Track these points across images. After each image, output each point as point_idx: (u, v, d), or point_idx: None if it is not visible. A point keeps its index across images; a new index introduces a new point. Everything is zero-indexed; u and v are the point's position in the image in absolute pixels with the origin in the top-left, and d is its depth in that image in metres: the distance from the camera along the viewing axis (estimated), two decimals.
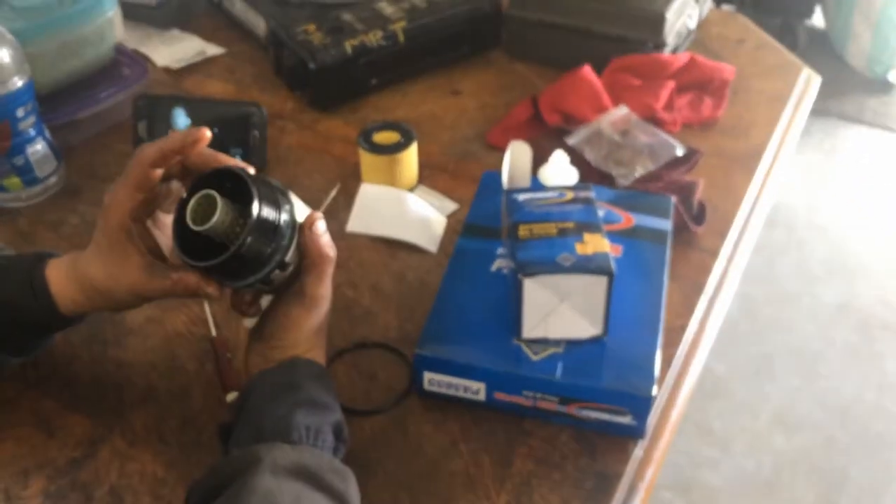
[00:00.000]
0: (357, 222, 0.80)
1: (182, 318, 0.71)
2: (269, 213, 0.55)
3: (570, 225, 0.61)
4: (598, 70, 0.96)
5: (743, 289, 1.95)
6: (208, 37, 1.12)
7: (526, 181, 0.71)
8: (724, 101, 0.96)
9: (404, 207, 0.80)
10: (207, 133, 0.57)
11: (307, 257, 0.56)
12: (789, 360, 1.76)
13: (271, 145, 0.91)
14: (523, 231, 0.60)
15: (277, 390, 0.53)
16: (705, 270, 0.75)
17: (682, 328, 0.70)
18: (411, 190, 0.84)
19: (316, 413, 0.52)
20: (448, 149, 0.91)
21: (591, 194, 0.64)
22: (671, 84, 0.94)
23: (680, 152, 0.84)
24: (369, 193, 0.81)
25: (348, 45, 0.93)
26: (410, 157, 0.83)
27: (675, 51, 1.01)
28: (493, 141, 0.91)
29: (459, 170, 0.88)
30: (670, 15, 0.95)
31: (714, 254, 0.77)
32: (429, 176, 0.87)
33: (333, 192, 0.83)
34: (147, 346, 0.69)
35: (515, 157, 0.71)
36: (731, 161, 0.88)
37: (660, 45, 0.96)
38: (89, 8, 0.90)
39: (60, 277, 0.58)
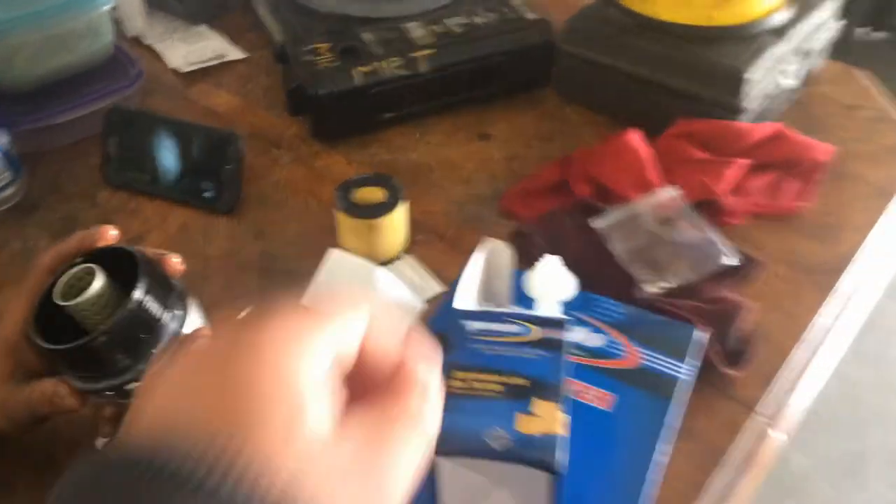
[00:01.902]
0: (315, 297, 0.67)
1: None
2: (151, 309, 0.46)
3: (520, 381, 0.45)
4: (660, 131, 0.78)
5: (847, 370, 1.70)
6: (235, 37, 1.01)
7: (503, 296, 0.56)
8: (814, 190, 0.76)
9: (371, 286, 0.66)
10: (112, 232, 0.51)
11: None
12: (889, 466, 1.50)
13: (257, 178, 0.79)
14: (458, 381, 0.45)
15: None
16: (732, 430, 0.57)
17: None
18: (395, 259, 0.70)
19: None
20: (454, 208, 0.76)
21: (564, 337, 0.48)
22: (744, 162, 0.74)
23: (730, 261, 0.66)
24: (336, 263, 0.68)
25: (357, 73, 0.79)
26: (394, 224, 0.69)
27: (759, 117, 0.82)
28: (508, 207, 0.75)
29: (460, 239, 0.73)
30: (754, 74, 0.76)
31: (749, 407, 0.59)
32: (423, 242, 0.72)
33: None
34: None
35: (490, 263, 0.56)
36: (806, 274, 0.69)
37: (736, 110, 0.77)
38: None
39: None
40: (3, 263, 0.71)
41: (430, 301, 0.67)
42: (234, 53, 0.97)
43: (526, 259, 0.69)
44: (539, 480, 0.42)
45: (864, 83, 0.94)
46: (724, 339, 0.60)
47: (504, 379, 0.45)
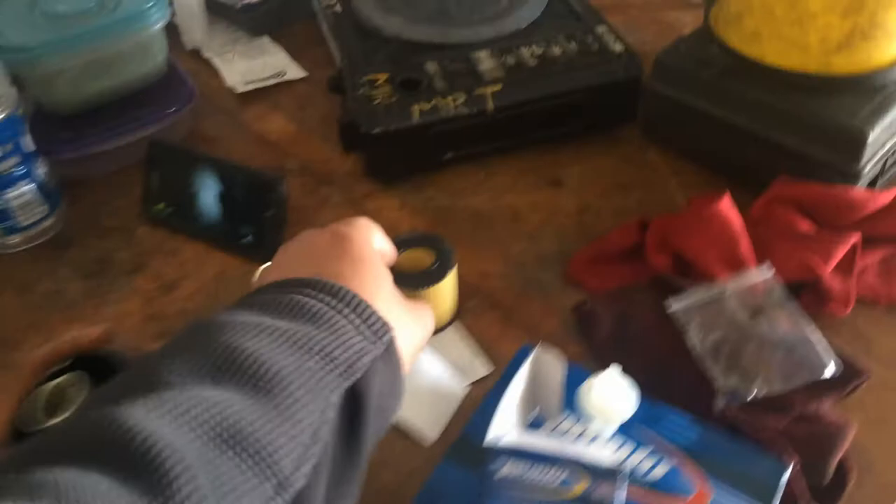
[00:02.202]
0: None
1: None
2: None
3: None
4: (758, 192, 0.68)
5: None
6: (299, 51, 0.95)
7: (553, 408, 0.48)
8: None
9: (415, 373, 0.59)
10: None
11: None
12: None
13: (303, 220, 0.73)
14: None
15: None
16: None
17: None
18: (442, 329, 0.63)
19: None
20: (513, 270, 0.68)
21: (618, 492, 0.40)
22: (854, 236, 0.63)
23: (829, 373, 0.55)
24: None
25: (417, 110, 0.72)
26: (441, 294, 0.61)
27: (874, 183, 0.70)
28: (575, 275, 0.67)
29: (517, 309, 0.65)
30: (876, 134, 0.64)
31: None
32: (473, 309, 0.65)
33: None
34: None
35: (537, 375, 0.48)
36: None
37: (853, 175, 0.66)
38: (130, 19, 0.75)
39: None
40: (34, 305, 0.68)
41: (474, 384, 0.59)
42: (295, 71, 0.91)
43: (586, 338, 0.61)
44: None
45: None
46: (816, 471, 0.51)
47: None
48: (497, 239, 0.72)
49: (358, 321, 0.35)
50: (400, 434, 0.56)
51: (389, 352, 0.37)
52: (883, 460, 0.53)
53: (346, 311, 0.35)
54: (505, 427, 0.46)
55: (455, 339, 0.63)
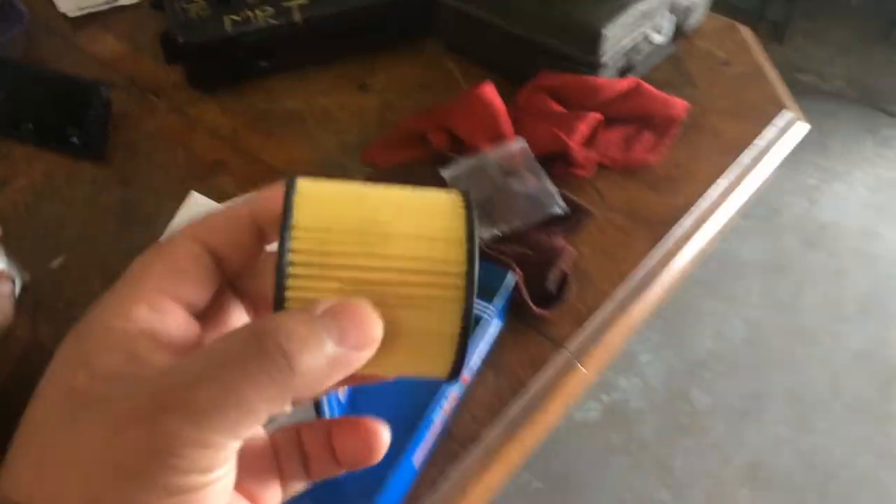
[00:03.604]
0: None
1: None
2: None
3: None
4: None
5: (756, 314, 1.76)
6: None
7: None
8: (666, 143, 0.80)
9: None
10: None
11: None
12: (784, 405, 1.58)
13: (131, 126, 0.81)
14: None
15: None
16: (537, 364, 0.62)
17: (473, 441, 0.57)
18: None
19: None
20: (319, 157, 0.79)
21: None
22: (597, 115, 0.77)
23: (559, 210, 0.69)
24: (195, 204, 0.71)
25: (229, 22, 0.81)
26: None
27: (625, 72, 0.84)
28: (370, 158, 0.78)
29: None
30: (611, 31, 0.78)
31: (558, 344, 0.63)
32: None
33: (58, 261, 0.71)
34: None
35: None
36: (641, 224, 0.73)
37: (594, 66, 0.80)
38: None
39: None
40: None
41: None
42: None
43: None
44: None
45: (744, 39, 0.97)
46: (542, 282, 0.64)
47: None
48: (308, 134, 0.82)
49: None
50: None
51: None
52: (600, 277, 0.68)
53: None
54: None
55: None
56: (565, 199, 0.71)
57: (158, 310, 0.25)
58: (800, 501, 1.43)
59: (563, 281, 0.65)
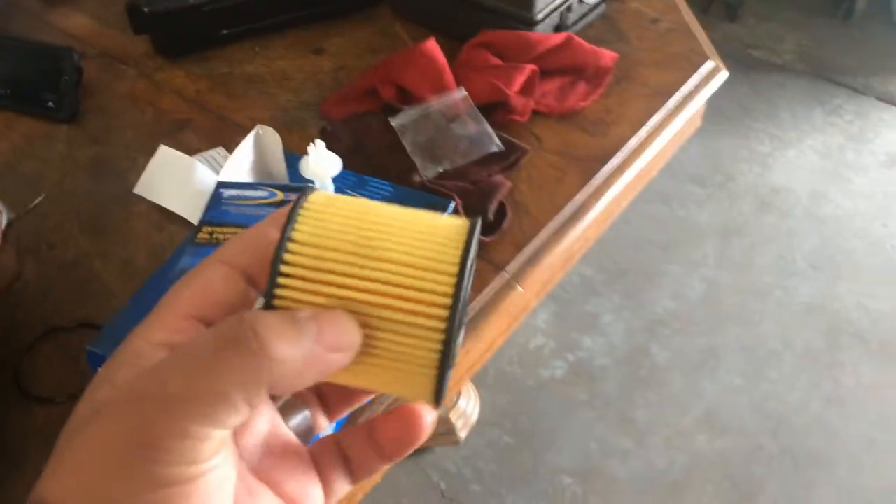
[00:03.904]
0: (144, 186, 0.76)
1: None
2: None
3: None
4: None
5: (712, 273, 1.84)
6: None
7: (280, 175, 0.66)
8: (598, 92, 0.87)
9: (191, 177, 0.75)
10: None
11: None
12: (738, 357, 1.66)
13: (101, 91, 0.87)
14: (203, 234, 0.55)
15: None
16: (477, 287, 0.69)
17: None
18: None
19: None
20: (280, 114, 0.86)
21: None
22: (532, 67, 0.84)
23: (496, 148, 0.76)
24: (163, 158, 0.77)
25: None
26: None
27: (558, 29, 0.91)
28: (326, 112, 0.85)
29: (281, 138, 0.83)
30: None
31: (499, 267, 0.70)
32: None
33: (38, 199, 0.76)
34: None
35: (264, 145, 0.65)
36: (574, 162, 0.80)
37: (529, 22, 0.87)
38: None
39: None
40: None
41: None
42: None
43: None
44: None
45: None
46: (483, 212, 0.71)
47: (241, 229, 0.55)
48: (268, 93, 0.88)
49: None
50: (186, 222, 0.73)
51: None
52: (536, 208, 0.75)
53: None
54: (232, 178, 0.64)
55: (223, 157, 0.79)
56: (503, 140, 0.78)
57: (181, 330, 0.27)
58: (753, 446, 1.52)
59: (502, 211, 0.72)
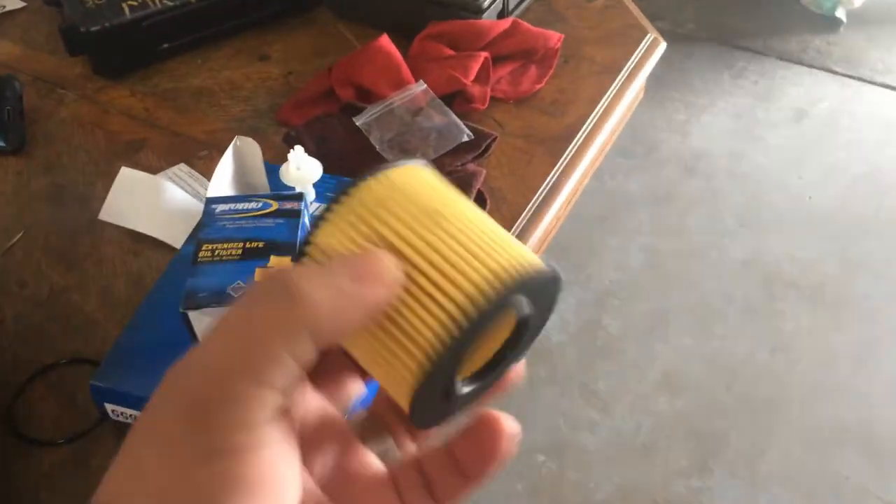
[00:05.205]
0: (109, 211, 0.73)
1: None
2: None
3: (259, 245, 0.54)
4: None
5: (650, 241, 1.91)
6: None
7: (261, 184, 0.64)
8: (549, 73, 0.89)
9: (159, 197, 0.73)
10: None
11: None
12: (685, 318, 1.72)
13: (43, 118, 0.83)
14: (204, 252, 0.54)
15: None
16: None
17: None
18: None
19: None
20: (236, 125, 0.84)
21: (300, 206, 0.57)
22: (484, 54, 0.85)
23: (467, 137, 0.77)
24: (127, 179, 0.74)
25: (126, 7, 0.84)
26: None
27: (503, 14, 0.93)
28: (283, 118, 0.84)
29: None
30: None
31: None
32: (207, 157, 0.80)
33: (17, 237, 0.72)
34: None
35: (243, 156, 0.64)
36: (539, 144, 0.82)
37: (476, 11, 0.88)
38: None
39: None
40: None
41: None
42: (13, 3, 0.99)
43: None
44: None
45: None
46: None
47: (244, 244, 0.54)
48: (219, 105, 0.86)
49: None
50: (161, 244, 0.71)
51: None
52: (512, 194, 0.76)
53: None
54: (218, 193, 0.62)
55: (189, 175, 0.77)
56: (470, 128, 0.79)
57: None
58: (710, 399, 1.58)
59: (481, 199, 0.73)
